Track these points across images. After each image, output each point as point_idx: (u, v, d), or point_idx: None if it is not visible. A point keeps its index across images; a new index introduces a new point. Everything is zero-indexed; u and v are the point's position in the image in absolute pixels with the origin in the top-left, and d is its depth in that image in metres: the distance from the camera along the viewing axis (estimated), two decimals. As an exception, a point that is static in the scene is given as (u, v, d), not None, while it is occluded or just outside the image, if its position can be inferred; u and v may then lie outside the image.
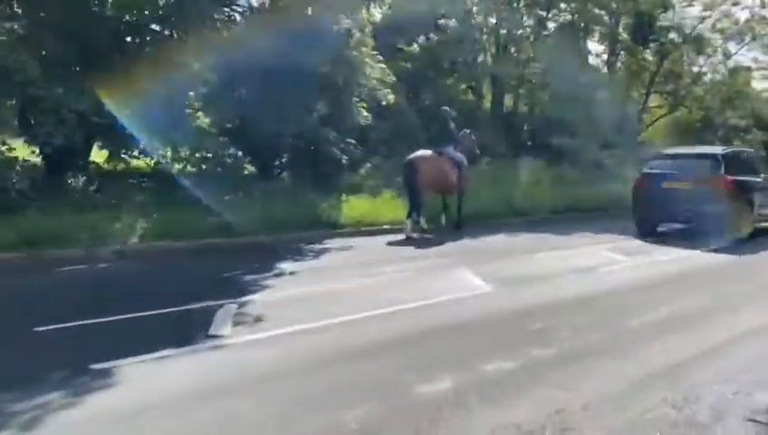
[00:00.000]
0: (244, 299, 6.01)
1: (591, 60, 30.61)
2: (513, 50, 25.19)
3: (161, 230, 9.31)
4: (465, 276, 7.46)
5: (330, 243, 10.16)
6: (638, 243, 11.04)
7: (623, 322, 5.71)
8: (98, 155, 13.08)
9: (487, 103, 25.29)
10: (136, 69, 10.25)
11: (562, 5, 25.81)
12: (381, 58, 13.56)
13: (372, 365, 4.37)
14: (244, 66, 11.17)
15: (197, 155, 12.84)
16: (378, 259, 8.73)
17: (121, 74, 10.13)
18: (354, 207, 11.95)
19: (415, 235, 10.88)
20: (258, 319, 5.40)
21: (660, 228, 12.17)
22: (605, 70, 29.75)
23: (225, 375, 4.15)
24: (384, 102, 13.40)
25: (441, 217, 11.92)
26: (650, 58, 30.90)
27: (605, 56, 30.20)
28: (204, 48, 10.86)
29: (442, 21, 23.50)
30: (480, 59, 24.16)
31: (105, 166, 12.95)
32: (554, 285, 7.29)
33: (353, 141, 14.01)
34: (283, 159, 13.85)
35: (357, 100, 12.78)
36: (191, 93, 11.79)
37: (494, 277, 7.41)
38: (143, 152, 12.27)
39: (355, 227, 11.37)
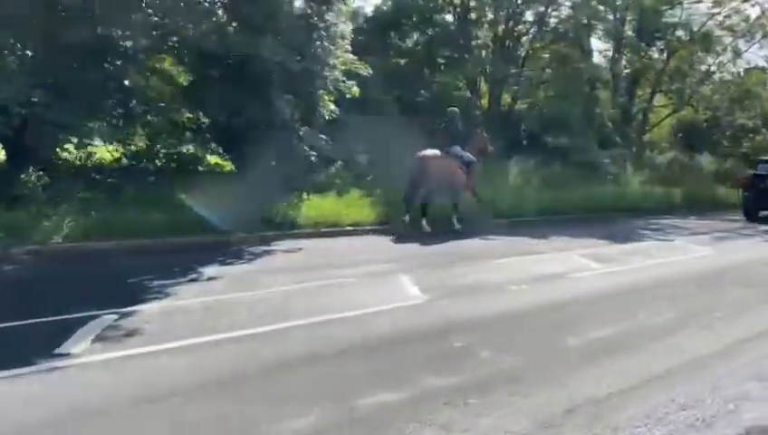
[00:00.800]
0: (128, 309, 5.26)
1: (595, 57, 29.82)
2: (511, 45, 24.30)
3: (93, 229, 8.60)
4: (403, 285, 6.67)
5: (280, 245, 9.41)
6: (619, 248, 10.20)
7: (562, 340, 4.90)
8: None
9: (485, 101, 24.40)
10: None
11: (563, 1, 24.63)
12: (349, 49, 12.73)
13: (223, 400, 3.58)
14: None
15: (157, 149, 12.20)
16: (320, 264, 7.96)
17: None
18: (316, 206, 11.17)
19: (429, 228, 11.04)
20: (129, 334, 4.64)
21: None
22: (609, 67, 28.80)
23: (37, 408, 3.39)
24: (348, 95, 12.55)
25: (453, 218, 11.73)
26: (656, 56, 29.98)
27: (609, 53, 29.27)
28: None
29: (438, 15, 22.66)
30: (477, 55, 23.19)
31: (79, 161, 12.22)
32: (502, 296, 6.49)
33: (324, 137, 13.25)
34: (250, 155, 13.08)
35: (322, 92, 11.97)
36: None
37: (438, 286, 6.62)
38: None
39: (314, 227, 10.60)
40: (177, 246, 8.69)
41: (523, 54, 24.68)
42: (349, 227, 10.99)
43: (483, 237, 10.93)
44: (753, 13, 27.82)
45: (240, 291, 6.20)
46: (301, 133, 12.58)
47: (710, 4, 28.06)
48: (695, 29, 28.05)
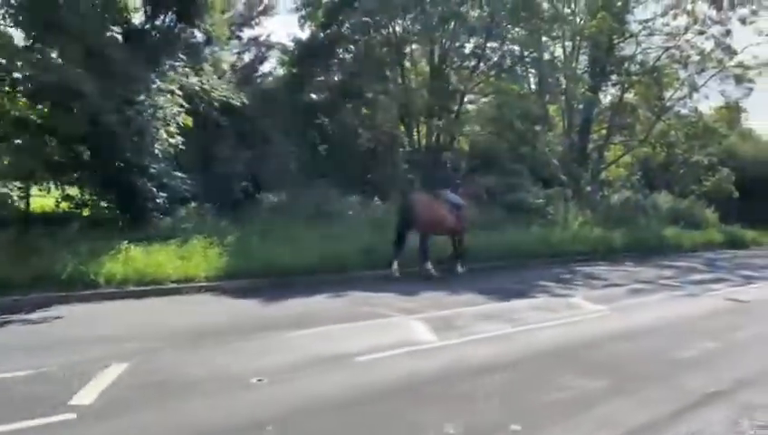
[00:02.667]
0: None
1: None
2: (447, 78, 22.76)
3: None
4: (101, 382, 4.68)
5: (50, 311, 7.38)
6: (490, 308, 8.26)
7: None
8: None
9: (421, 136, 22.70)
10: None
11: (509, 31, 23.05)
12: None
13: None
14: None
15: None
16: (45, 343, 5.94)
17: None
18: (137, 258, 9.18)
19: (398, 274, 10.96)
20: None
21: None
22: (560, 104, 27.34)
23: None
24: (180, 124, 10.73)
25: (457, 263, 11.88)
26: (612, 91, 28.66)
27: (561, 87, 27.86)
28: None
29: (361, 44, 21.08)
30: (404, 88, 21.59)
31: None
32: (219, 396, 4.49)
33: (181, 175, 11.41)
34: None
35: (162, 123, 10.14)
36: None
37: (143, 385, 4.65)
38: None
39: (121, 286, 8.60)
40: None
41: (462, 88, 23.13)
42: (173, 285, 9.01)
43: (335, 294, 8.99)
44: (708, 46, 26.60)
45: None
46: (153, 171, 10.77)
47: (664, 37, 26.97)
48: (649, 63, 26.87)
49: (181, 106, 10.59)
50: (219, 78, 13.21)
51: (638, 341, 6.63)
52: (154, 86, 9.81)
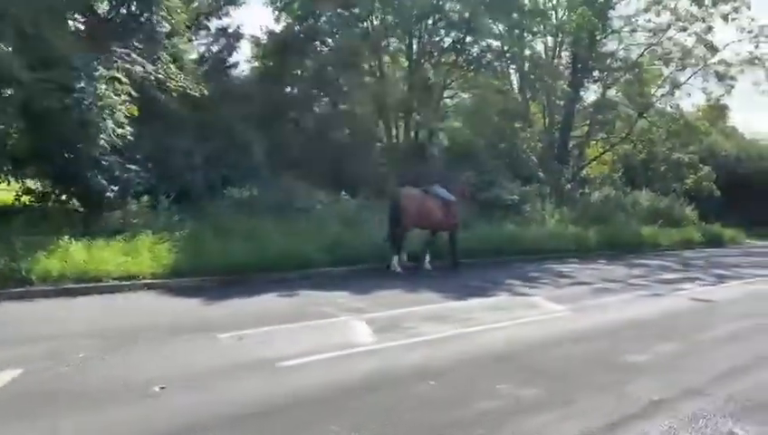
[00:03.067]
0: None
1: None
2: (427, 72, 22.37)
3: None
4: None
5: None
6: (442, 308, 7.88)
7: None
8: None
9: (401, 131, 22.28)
10: None
11: (489, 26, 22.59)
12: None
13: None
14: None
15: None
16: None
17: None
18: (79, 254, 8.73)
19: (399, 269, 11.06)
20: None
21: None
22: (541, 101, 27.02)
23: None
24: (126, 114, 10.26)
25: (425, 255, 11.90)
26: (594, 88, 28.40)
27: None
28: None
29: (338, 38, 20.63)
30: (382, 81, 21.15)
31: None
32: (106, 412, 4.09)
33: (135, 167, 10.97)
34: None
35: (108, 112, 9.66)
36: None
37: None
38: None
39: (56, 283, 8.16)
40: None
41: (441, 83, 22.72)
42: (115, 282, 8.58)
43: (287, 293, 8.61)
44: (690, 42, 26.37)
45: None
46: (104, 163, 10.32)
47: (647, 34, 26.72)
48: (632, 59, 26.61)
49: (129, 95, 10.12)
50: (181, 68, 12.67)
51: (591, 343, 6.28)
52: (96, 73, 9.31)
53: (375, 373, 5.01)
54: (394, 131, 21.94)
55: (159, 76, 11.14)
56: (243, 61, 20.46)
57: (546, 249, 14.98)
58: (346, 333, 6.32)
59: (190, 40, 12.71)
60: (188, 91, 11.75)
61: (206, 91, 12.30)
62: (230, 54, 16.68)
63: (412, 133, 22.04)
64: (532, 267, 12.79)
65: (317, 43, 20.03)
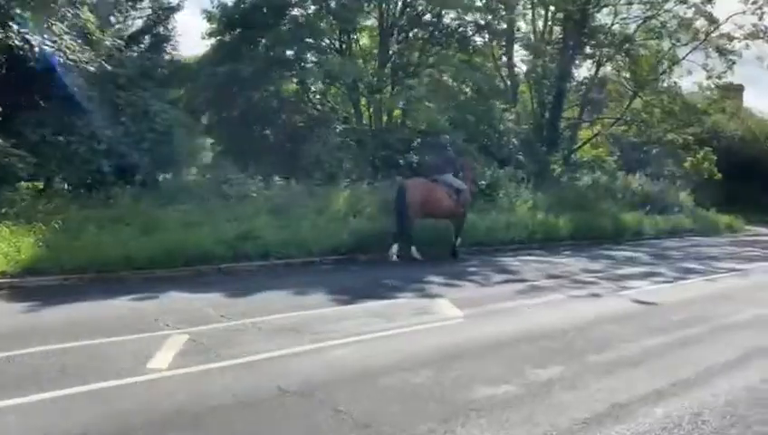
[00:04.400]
0: None
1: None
2: (397, 49, 20.89)
3: None
4: None
5: None
6: (296, 317, 6.59)
7: None
8: None
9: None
10: None
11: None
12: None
13: None
14: None
15: None
16: None
17: None
18: None
19: (396, 258, 10.84)
20: None
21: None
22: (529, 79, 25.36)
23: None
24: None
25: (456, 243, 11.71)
26: (587, 65, 26.66)
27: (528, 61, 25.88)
28: None
29: (296, 11, 19.22)
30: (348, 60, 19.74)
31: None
32: None
33: (18, 151, 9.82)
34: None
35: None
36: None
37: None
38: None
39: None
40: None
41: (416, 61, 21.26)
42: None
43: (146, 296, 7.39)
44: (690, 15, 24.53)
45: None
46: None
47: (644, 7, 24.92)
48: (628, 33, 24.87)
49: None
50: (91, 42, 11.44)
51: (445, 367, 4.94)
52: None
53: (132, 413, 3.76)
54: (366, 113, 20.64)
55: (47, 46, 9.91)
56: (199, 38, 18.96)
57: (505, 239, 13.60)
58: (148, 353, 5.06)
59: (92, 11, 11.39)
60: (86, 65, 10.48)
61: (109, 67, 11.05)
62: (168, 30, 15.35)
63: (385, 115, 20.73)
64: (476, 261, 11.46)
65: (273, 18, 18.61)
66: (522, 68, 26.02)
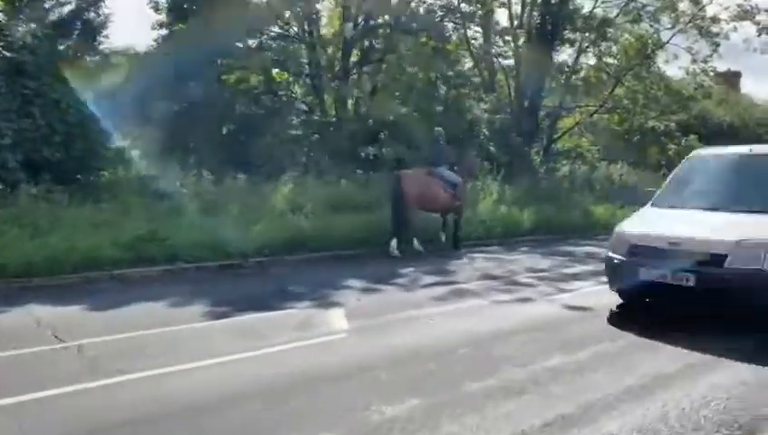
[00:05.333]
0: None
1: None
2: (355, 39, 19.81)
3: None
4: None
5: None
6: (149, 335, 5.60)
7: None
8: None
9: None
10: None
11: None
12: None
13: None
14: None
15: None
16: None
17: None
18: None
19: (398, 253, 10.58)
20: None
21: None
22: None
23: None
24: None
25: (441, 236, 11.76)
26: (569, 51, 25.51)
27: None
28: None
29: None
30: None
31: None
32: None
33: None
34: None
35: None
36: None
37: None
38: None
39: None
40: None
41: (381, 48, 20.17)
42: None
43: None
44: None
45: None
46: None
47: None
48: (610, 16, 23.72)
49: None
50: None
51: (288, 401, 3.98)
52: None
53: None
54: (329, 104, 19.61)
55: None
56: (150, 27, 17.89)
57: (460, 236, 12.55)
58: None
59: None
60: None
61: (7, 53, 10.05)
62: (99, 16, 14.30)
63: (352, 104, 19.69)
64: (418, 261, 10.42)
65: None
66: (499, 55, 24.94)
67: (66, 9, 13.88)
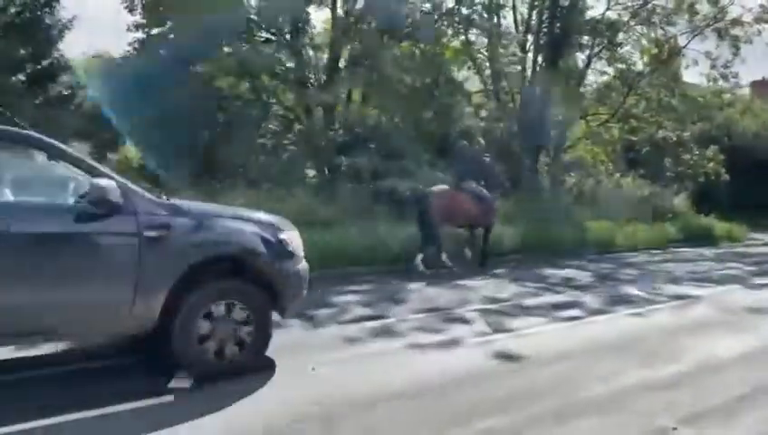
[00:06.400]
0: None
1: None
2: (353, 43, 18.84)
3: None
4: None
5: None
6: None
7: None
8: None
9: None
10: None
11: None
12: None
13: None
14: None
15: None
16: None
17: None
18: None
19: (423, 268, 10.53)
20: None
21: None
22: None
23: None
24: None
25: (466, 252, 11.65)
26: (582, 57, 24.09)
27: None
28: None
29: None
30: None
31: None
32: None
33: None
34: None
35: None
36: None
37: None
38: None
39: None
40: None
41: (372, 54, 19.10)
42: None
43: None
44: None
45: None
46: None
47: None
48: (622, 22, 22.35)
49: None
50: None
51: None
52: None
53: None
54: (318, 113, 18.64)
55: None
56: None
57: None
58: None
59: None
60: None
61: None
62: (55, 18, 13.52)
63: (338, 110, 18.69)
64: (366, 286, 9.33)
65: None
66: (503, 62, 23.68)
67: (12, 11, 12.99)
